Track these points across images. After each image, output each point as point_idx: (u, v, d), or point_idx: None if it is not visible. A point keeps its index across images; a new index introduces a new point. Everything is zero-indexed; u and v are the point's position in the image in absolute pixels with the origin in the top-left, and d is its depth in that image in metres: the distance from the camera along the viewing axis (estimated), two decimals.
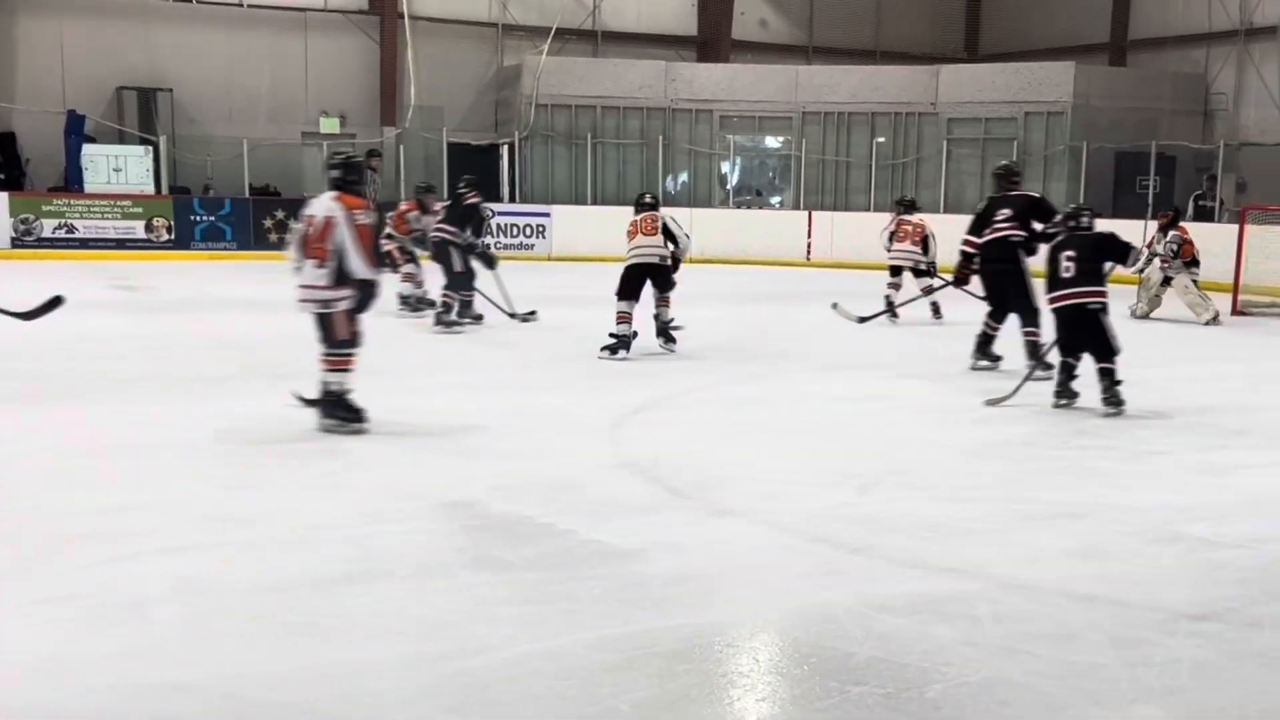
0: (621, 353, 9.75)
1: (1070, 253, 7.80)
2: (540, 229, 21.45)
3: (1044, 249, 8.33)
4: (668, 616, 4.11)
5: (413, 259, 12.64)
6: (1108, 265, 7.90)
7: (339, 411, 6.83)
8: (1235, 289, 13.74)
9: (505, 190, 22.62)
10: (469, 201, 11.81)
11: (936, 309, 12.80)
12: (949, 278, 10.54)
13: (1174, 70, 22.97)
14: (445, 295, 11.58)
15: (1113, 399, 7.58)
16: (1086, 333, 7.70)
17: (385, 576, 4.50)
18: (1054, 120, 21.36)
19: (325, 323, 6.78)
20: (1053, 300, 7.86)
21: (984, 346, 9.52)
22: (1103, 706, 3.47)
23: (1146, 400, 8.25)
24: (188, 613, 4.10)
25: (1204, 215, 18.95)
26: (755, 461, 6.48)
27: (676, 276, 10.21)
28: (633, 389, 8.55)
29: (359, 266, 6.65)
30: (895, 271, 12.99)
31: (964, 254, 9.66)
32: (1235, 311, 13.55)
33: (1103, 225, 8.28)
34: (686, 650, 3.81)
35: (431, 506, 5.43)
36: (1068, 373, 7.85)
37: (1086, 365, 7.75)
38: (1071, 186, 20.53)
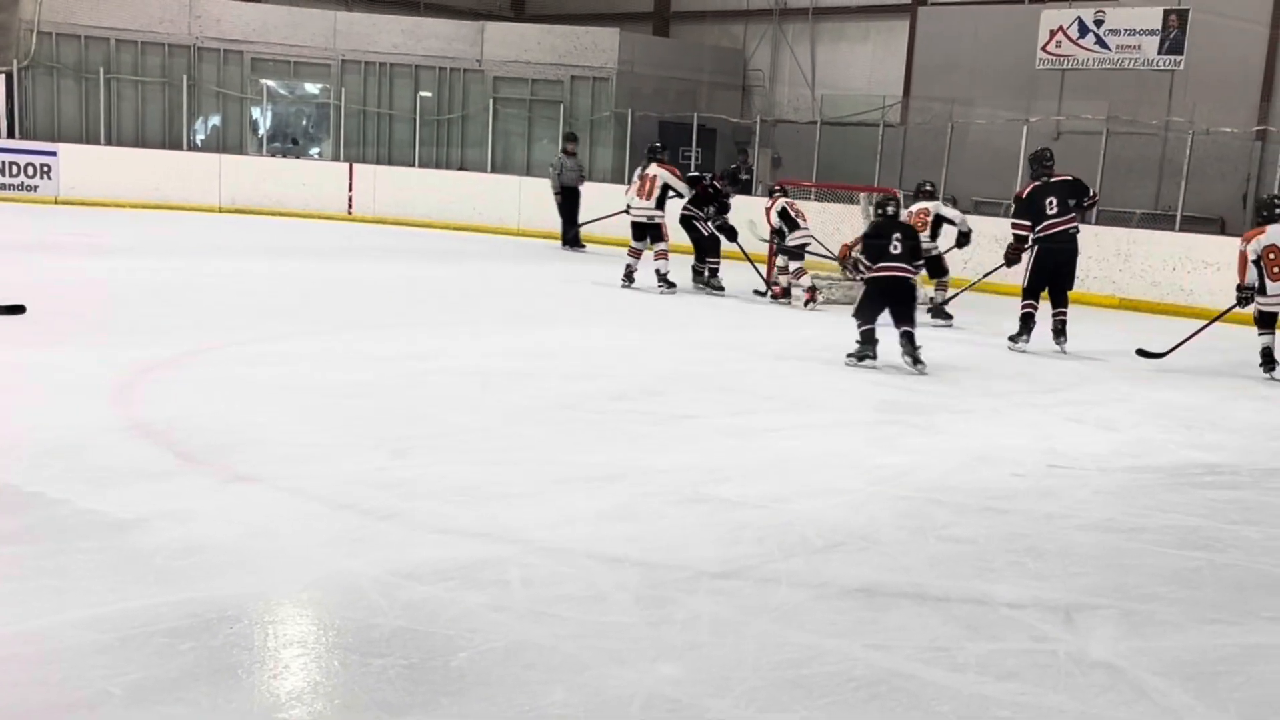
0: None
1: (897, 234, 9.00)
2: (45, 169, 19.58)
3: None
4: (172, 591, 3.77)
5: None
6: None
7: None
8: (770, 260, 14.52)
9: (3, 125, 20.51)
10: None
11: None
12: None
13: (715, 44, 24.21)
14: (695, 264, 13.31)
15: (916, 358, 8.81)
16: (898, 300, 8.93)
17: None
18: (599, 85, 21.96)
19: None
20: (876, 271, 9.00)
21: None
22: (625, 665, 3.47)
23: (691, 365, 8.63)
24: None
25: (740, 188, 20.10)
26: (280, 424, 6.12)
27: None
28: (146, 345, 7.92)
29: None
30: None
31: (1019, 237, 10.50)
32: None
33: None
34: (191, 627, 3.50)
35: None
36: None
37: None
38: (618, 153, 21.20)
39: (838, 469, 5.92)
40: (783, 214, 12.47)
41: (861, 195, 14.91)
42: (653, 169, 13.20)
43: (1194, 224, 15.49)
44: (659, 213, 13.08)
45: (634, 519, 4.88)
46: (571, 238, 17.90)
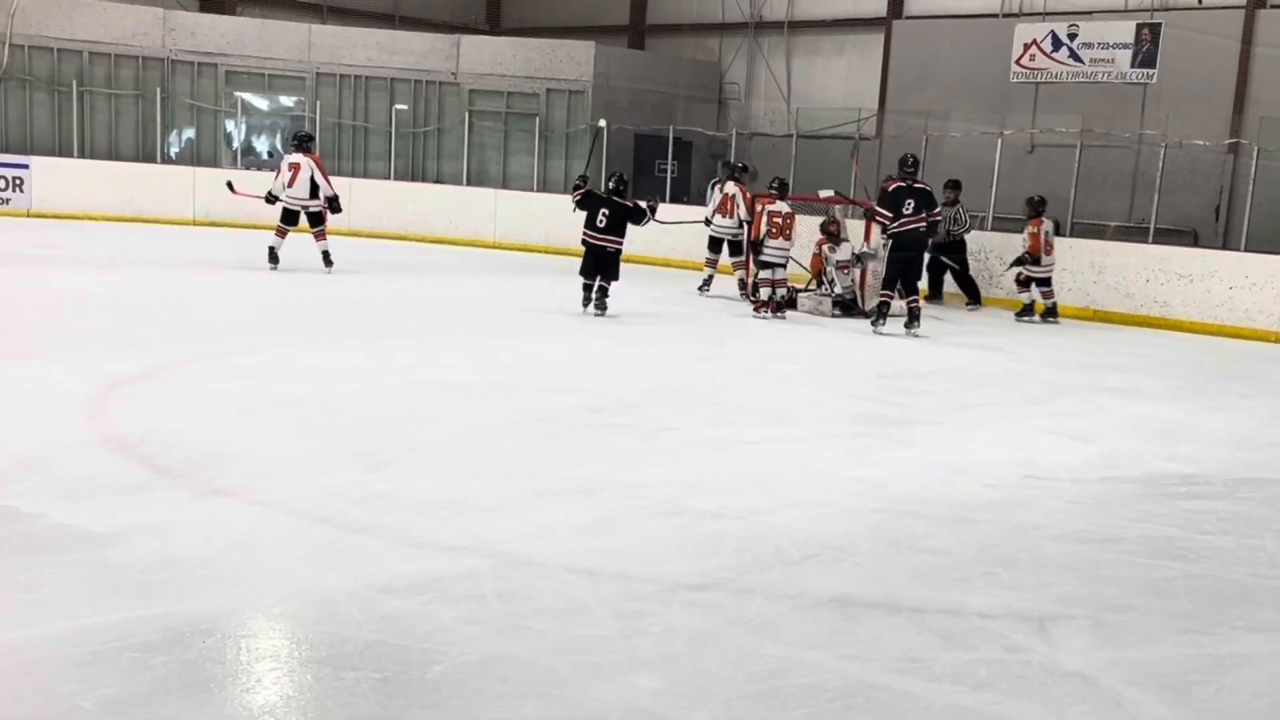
0: None
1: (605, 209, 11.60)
2: (17, 181, 19.41)
3: None
4: (147, 605, 3.76)
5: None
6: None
7: None
8: (747, 269, 14.55)
9: None
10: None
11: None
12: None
13: (690, 57, 24.20)
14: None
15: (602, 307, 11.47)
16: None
17: None
18: (575, 98, 21.93)
19: None
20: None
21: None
22: (602, 678, 3.46)
23: (670, 379, 8.65)
24: None
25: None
26: (256, 437, 6.09)
27: None
28: (121, 358, 7.87)
29: None
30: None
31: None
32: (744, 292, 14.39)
33: None
34: (166, 641, 3.49)
35: None
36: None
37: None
38: (594, 165, 21.13)
39: (814, 481, 5.93)
40: (769, 218, 12.64)
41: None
42: (730, 187, 14.15)
43: (1167, 236, 15.57)
44: (741, 230, 13.94)
45: (611, 532, 4.87)
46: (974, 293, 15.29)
